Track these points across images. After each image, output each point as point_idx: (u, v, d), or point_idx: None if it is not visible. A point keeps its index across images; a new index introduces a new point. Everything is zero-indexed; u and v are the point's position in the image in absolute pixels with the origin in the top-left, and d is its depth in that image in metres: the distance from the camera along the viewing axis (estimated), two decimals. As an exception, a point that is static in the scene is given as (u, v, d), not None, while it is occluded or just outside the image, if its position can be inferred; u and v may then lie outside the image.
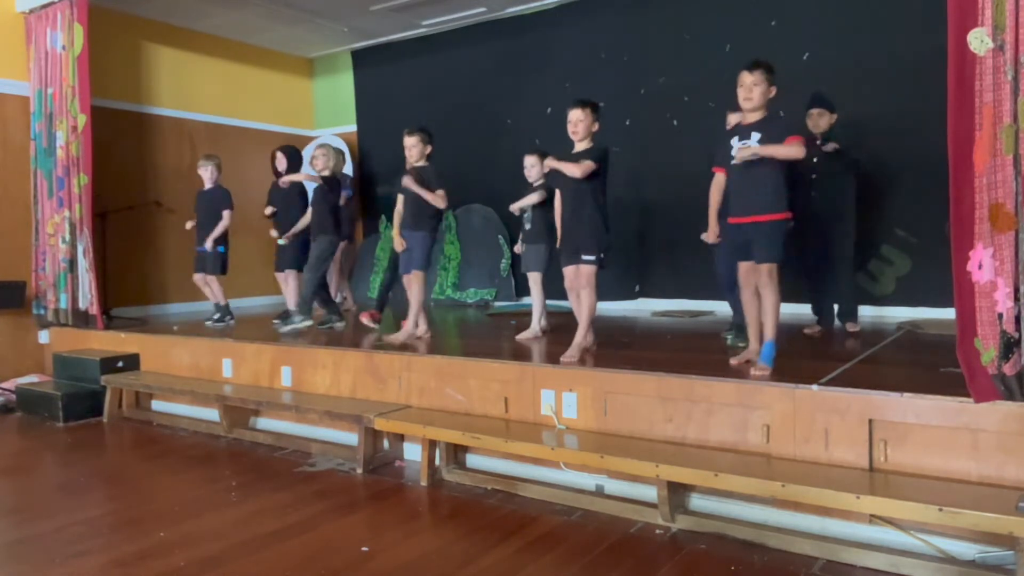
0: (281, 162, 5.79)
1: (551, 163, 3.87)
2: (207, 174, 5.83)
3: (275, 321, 5.56)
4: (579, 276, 3.84)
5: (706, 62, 5.91)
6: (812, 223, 4.25)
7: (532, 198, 4.68)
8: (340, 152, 6.63)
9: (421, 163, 4.58)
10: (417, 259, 4.57)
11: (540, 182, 4.73)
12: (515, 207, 4.77)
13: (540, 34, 6.84)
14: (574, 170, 3.76)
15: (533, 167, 4.75)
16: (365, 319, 5.35)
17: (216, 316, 5.86)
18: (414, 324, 4.59)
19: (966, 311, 2.63)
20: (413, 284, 4.60)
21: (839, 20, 5.43)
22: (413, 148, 4.53)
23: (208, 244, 5.74)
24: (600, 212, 3.85)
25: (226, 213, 5.75)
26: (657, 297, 6.33)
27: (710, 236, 3.76)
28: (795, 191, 3.47)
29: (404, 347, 4.31)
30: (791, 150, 3.19)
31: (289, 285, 5.64)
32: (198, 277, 5.88)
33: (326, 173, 5.33)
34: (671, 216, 6.01)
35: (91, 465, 4.09)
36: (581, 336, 3.82)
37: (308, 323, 5.25)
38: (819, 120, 4.41)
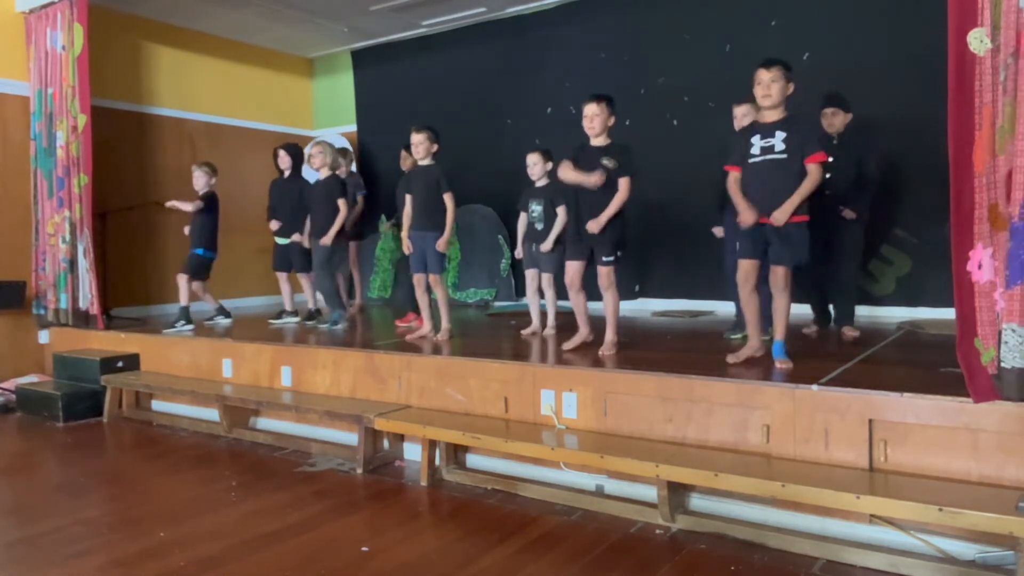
0: (284, 160, 5.78)
1: (604, 220, 3.74)
2: (196, 181, 5.78)
3: (307, 322, 5.66)
4: (600, 277, 3.87)
5: (706, 62, 5.91)
6: (822, 222, 4.21)
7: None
8: (343, 150, 6.63)
9: (427, 161, 4.58)
10: (434, 263, 4.55)
11: (544, 181, 4.74)
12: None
13: (540, 34, 6.84)
14: (622, 196, 3.77)
15: (535, 165, 4.75)
16: (407, 323, 5.34)
17: (177, 320, 5.58)
18: (447, 323, 4.63)
19: (966, 311, 2.63)
20: (438, 287, 4.59)
21: (839, 20, 5.42)
22: (420, 145, 4.52)
23: (172, 200, 5.78)
24: (619, 212, 3.83)
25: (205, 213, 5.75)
26: (657, 297, 6.33)
27: (747, 220, 3.29)
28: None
29: (404, 347, 4.31)
30: (813, 181, 3.20)
31: (305, 287, 5.83)
32: (195, 284, 5.78)
33: (325, 171, 5.33)
34: (671, 216, 6.00)
35: (91, 465, 4.09)
36: (612, 333, 3.90)
37: (346, 320, 5.36)
38: (833, 119, 4.37)
